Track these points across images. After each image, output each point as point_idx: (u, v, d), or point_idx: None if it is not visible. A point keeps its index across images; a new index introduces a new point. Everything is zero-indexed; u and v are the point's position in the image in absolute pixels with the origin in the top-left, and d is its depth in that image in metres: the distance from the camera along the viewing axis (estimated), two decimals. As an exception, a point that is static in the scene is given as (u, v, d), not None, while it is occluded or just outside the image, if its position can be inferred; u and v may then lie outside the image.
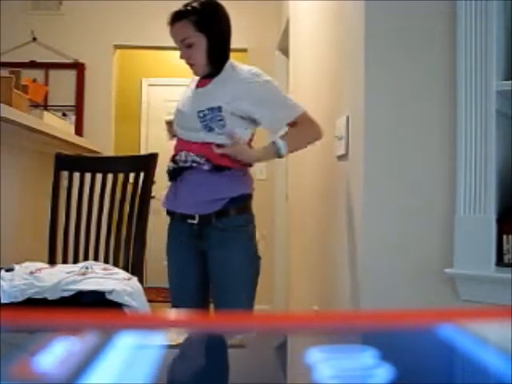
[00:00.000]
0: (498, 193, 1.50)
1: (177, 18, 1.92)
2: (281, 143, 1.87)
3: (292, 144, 1.92)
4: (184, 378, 0.31)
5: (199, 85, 1.99)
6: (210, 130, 1.89)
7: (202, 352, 0.35)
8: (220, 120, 1.88)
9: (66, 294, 1.68)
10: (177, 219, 1.98)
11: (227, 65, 1.96)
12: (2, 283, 1.69)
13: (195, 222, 1.91)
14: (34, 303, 1.65)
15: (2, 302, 1.63)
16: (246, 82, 1.90)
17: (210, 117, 1.88)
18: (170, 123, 2.09)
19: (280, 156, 1.90)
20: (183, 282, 2.02)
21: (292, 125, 1.92)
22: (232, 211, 1.90)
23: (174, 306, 2.04)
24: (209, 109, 1.89)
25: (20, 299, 1.66)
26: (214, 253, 1.92)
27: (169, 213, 2.02)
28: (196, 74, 1.99)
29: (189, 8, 1.91)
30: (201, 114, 1.90)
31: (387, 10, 1.63)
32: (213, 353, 0.34)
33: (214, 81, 1.95)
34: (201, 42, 1.91)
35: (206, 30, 1.90)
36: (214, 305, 1.99)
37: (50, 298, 1.67)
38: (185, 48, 1.93)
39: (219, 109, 1.88)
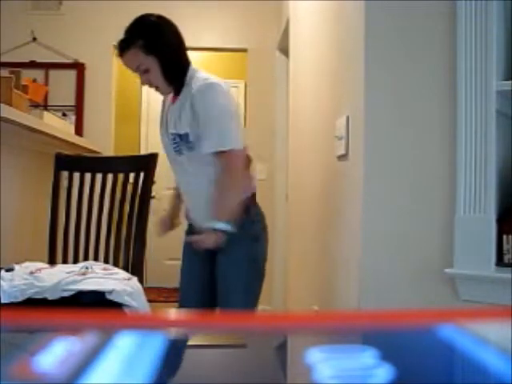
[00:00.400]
0: (498, 193, 1.50)
1: (124, 47, 1.89)
2: (218, 225, 1.82)
3: (224, 212, 1.83)
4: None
5: (171, 101, 1.99)
6: (181, 153, 1.91)
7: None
8: (189, 145, 1.88)
9: (65, 294, 1.68)
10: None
11: (188, 77, 1.92)
12: (2, 283, 1.69)
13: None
14: (33, 303, 1.65)
15: (2, 301, 1.63)
16: (197, 99, 1.85)
17: (179, 141, 1.90)
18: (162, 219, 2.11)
19: (228, 229, 1.82)
20: (191, 282, 2.05)
21: (216, 155, 1.84)
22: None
23: (181, 305, 2.06)
24: (178, 135, 1.90)
25: (20, 299, 1.66)
26: (219, 256, 1.96)
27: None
28: (163, 94, 2.00)
29: (133, 34, 1.88)
30: (171, 137, 1.93)
31: (387, 10, 1.63)
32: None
33: (180, 99, 1.93)
34: (154, 65, 1.88)
35: (155, 52, 1.86)
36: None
37: (50, 298, 1.68)
38: (142, 74, 1.91)
39: (187, 136, 1.87)
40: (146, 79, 1.91)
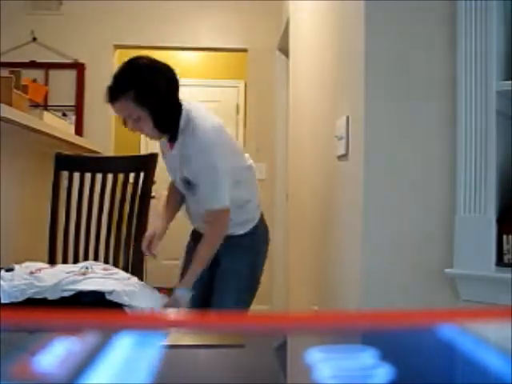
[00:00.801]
0: (498, 193, 1.50)
1: (114, 97, 1.84)
2: (180, 294, 1.91)
3: (192, 275, 1.92)
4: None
5: (169, 148, 1.99)
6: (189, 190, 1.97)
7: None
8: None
9: (66, 294, 1.68)
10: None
11: (183, 121, 1.89)
12: (2, 283, 1.69)
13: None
14: (34, 303, 1.65)
15: (2, 301, 1.63)
16: (196, 153, 1.86)
17: (187, 185, 1.95)
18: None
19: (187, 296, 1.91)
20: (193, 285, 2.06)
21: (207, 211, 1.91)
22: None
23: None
24: (182, 179, 1.95)
25: (20, 299, 1.66)
26: (223, 259, 1.99)
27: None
28: (156, 140, 2.01)
29: (124, 84, 1.82)
30: (180, 177, 1.97)
31: (387, 9, 1.63)
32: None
33: (178, 147, 1.93)
34: (145, 115, 1.83)
35: (146, 104, 1.81)
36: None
37: (49, 298, 1.67)
38: (132, 122, 1.87)
39: (189, 180, 1.93)
40: (137, 127, 1.88)
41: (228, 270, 1.99)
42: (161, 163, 2.30)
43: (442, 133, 1.58)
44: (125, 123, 1.91)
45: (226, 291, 1.98)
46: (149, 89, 1.81)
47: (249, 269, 2.02)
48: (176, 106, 1.89)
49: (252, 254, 2.04)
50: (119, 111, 1.88)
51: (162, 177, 2.20)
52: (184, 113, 1.89)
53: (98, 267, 1.91)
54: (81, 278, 1.76)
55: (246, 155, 2.08)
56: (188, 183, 1.93)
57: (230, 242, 1.96)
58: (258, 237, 2.07)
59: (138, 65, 1.85)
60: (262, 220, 2.10)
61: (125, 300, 1.71)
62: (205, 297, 2.02)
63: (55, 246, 2.35)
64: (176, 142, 1.92)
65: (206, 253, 1.93)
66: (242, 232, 2.00)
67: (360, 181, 1.67)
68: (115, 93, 1.83)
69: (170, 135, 1.93)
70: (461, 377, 0.31)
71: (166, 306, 1.91)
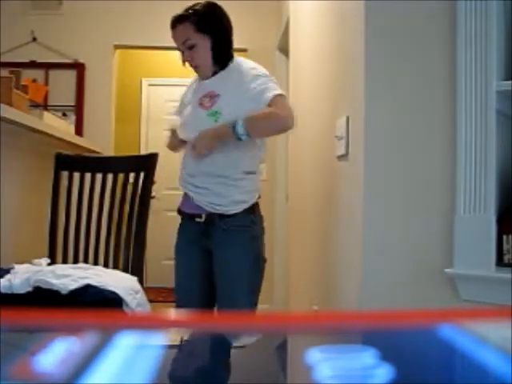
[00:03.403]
0: (498, 193, 1.50)
1: (177, 21, 1.94)
2: (240, 129, 1.83)
3: (256, 130, 1.88)
4: (186, 375, 0.31)
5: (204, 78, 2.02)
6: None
7: (204, 351, 0.35)
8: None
9: (74, 285, 1.68)
10: (185, 218, 2.05)
11: (232, 64, 1.98)
12: (6, 277, 1.71)
13: (202, 220, 1.95)
14: (39, 298, 1.65)
15: (8, 292, 1.64)
16: (246, 84, 1.91)
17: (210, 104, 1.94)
18: (174, 131, 2.08)
19: (240, 139, 1.85)
20: (189, 281, 2.04)
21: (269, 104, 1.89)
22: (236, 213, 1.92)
23: (179, 305, 2.04)
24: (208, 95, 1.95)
25: (26, 290, 1.66)
26: (217, 252, 1.95)
27: (179, 212, 2.08)
28: (202, 76, 2.01)
29: (189, 11, 1.94)
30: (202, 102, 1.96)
31: (387, 10, 1.63)
32: (215, 353, 0.34)
33: (218, 76, 1.98)
34: (203, 43, 1.93)
35: (207, 31, 1.92)
36: (216, 305, 1.99)
37: (54, 281, 1.67)
38: (187, 50, 1.94)
39: (218, 96, 1.93)
40: (190, 55, 1.95)
41: (230, 266, 1.94)
42: (161, 163, 2.30)
43: (441, 133, 1.58)
44: (182, 53, 1.98)
45: (231, 293, 1.94)
46: (211, 19, 1.95)
47: (252, 262, 1.95)
48: (231, 44, 2.01)
49: (254, 244, 1.97)
50: (178, 36, 1.96)
51: (162, 177, 2.20)
52: (236, 57, 2.02)
53: (97, 269, 1.93)
54: (84, 274, 1.78)
55: None
56: (215, 117, 1.90)
57: (228, 230, 1.91)
58: (259, 225, 2.00)
59: (203, 1, 1.99)
60: (258, 209, 2.03)
61: (125, 300, 1.71)
62: (205, 296, 2.00)
63: (55, 246, 2.35)
64: (220, 74, 1.97)
65: (259, 120, 1.88)
66: (236, 210, 1.93)
67: (360, 181, 1.67)
68: (180, 17, 1.95)
69: (219, 69, 1.97)
70: (461, 377, 0.31)
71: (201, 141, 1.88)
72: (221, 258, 1.94)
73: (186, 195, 2.04)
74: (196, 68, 1.99)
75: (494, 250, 1.48)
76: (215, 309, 2.00)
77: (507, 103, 1.52)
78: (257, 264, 1.97)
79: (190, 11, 1.94)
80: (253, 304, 1.95)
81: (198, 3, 1.99)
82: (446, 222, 1.56)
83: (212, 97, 1.93)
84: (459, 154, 1.51)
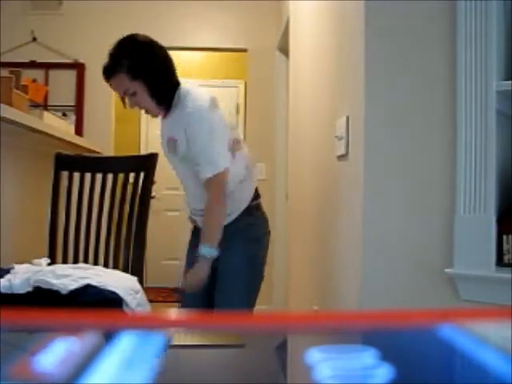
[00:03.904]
0: (498, 193, 1.50)
1: (109, 74, 1.90)
2: (207, 250, 1.88)
3: (214, 236, 1.90)
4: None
5: (164, 125, 2.04)
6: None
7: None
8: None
9: (75, 285, 1.68)
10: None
11: (177, 97, 1.93)
12: (6, 277, 1.70)
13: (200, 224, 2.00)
14: (39, 297, 1.65)
15: (9, 292, 1.64)
16: (186, 121, 1.89)
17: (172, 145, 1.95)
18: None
19: (212, 257, 1.89)
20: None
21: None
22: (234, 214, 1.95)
23: (183, 305, 2.07)
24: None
25: (26, 290, 1.66)
26: (220, 254, 1.96)
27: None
28: (156, 116, 2.02)
29: (117, 59, 1.88)
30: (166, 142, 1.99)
31: (387, 10, 1.63)
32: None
33: (170, 120, 1.96)
34: (142, 89, 1.88)
35: (140, 76, 1.87)
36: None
37: (54, 281, 1.67)
38: (129, 97, 1.92)
39: (176, 141, 1.93)
40: (134, 102, 1.92)
41: (226, 267, 1.95)
42: (161, 163, 2.30)
43: (441, 133, 1.58)
44: (123, 102, 1.97)
45: (227, 292, 1.96)
46: (142, 60, 1.87)
47: (248, 263, 1.97)
48: (171, 78, 1.94)
49: (251, 246, 1.99)
50: (116, 88, 1.93)
51: (162, 177, 2.20)
52: (181, 87, 1.95)
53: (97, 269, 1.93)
54: (84, 274, 1.78)
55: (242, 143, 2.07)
56: (185, 160, 1.92)
57: (227, 230, 1.93)
58: (257, 227, 2.02)
59: (131, 39, 1.91)
60: (260, 209, 2.05)
61: (125, 300, 1.71)
62: (205, 294, 2.01)
63: (55, 246, 2.35)
64: (170, 115, 1.95)
65: (211, 222, 1.90)
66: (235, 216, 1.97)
67: (360, 181, 1.67)
68: (110, 69, 1.89)
69: (167, 108, 1.95)
70: (461, 377, 0.31)
71: (190, 273, 1.92)
72: (221, 260, 1.96)
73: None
74: (146, 112, 1.99)
75: (494, 250, 1.48)
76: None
77: (507, 103, 1.52)
78: (253, 265, 1.98)
79: (118, 61, 1.87)
80: (250, 305, 1.96)
81: (128, 41, 1.92)
82: (445, 222, 1.56)
83: (173, 141, 1.95)
84: (459, 154, 1.51)
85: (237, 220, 1.96)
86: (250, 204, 1.99)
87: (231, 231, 1.94)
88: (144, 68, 1.87)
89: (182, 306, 2.08)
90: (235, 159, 1.95)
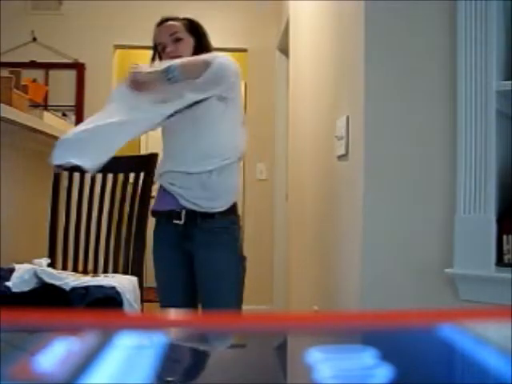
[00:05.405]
0: (498, 193, 1.50)
1: (168, 19, 2.07)
2: (172, 66, 1.85)
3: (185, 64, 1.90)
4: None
5: None
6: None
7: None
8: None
9: (75, 281, 1.69)
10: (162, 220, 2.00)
11: None
12: (14, 276, 1.72)
13: (181, 222, 1.91)
14: (38, 297, 1.66)
15: (13, 291, 1.65)
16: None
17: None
18: None
19: (169, 79, 1.85)
20: (172, 281, 2.02)
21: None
22: (217, 213, 1.91)
23: (163, 306, 2.03)
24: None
25: (31, 287, 1.67)
26: (199, 254, 1.92)
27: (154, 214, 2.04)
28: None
29: (179, 18, 2.08)
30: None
31: (387, 10, 1.63)
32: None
33: None
34: (189, 41, 2.02)
35: (194, 34, 2.04)
36: (201, 306, 1.98)
37: (58, 284, 1.68)
38: (172, 43, 2.00)
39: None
40: (174, 47, 1.98)
41: (214, 267, 1.91)
42: (161, 163, 2.29)
43: (441, 133, 1.59)
44: (154, 55, 2.06)
45: (217, 293, 1.92)
46: (198, 28, 2.09)
47: (236, 260, 1.94)
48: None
49: (237, 244, 1.96)
50: (167, 29, 2.03)
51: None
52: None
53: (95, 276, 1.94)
54: (84, 279, 1.79)
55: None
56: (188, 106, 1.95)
57: (212, 231, 1.89)
58: (237, 228, 1.98)
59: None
60: (236, 210, 2.01)
61: (125, 300, 1.71)
62: (188, 296, 1.99)
63: (55, 247, 2.35)
64: None
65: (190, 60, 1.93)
66: (218, 209, 1.91)
67: (360, 181, 1.67)
68: (170, 17, 2.07)
69: None
70: (461, 377, 0.31)
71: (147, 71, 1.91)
72: (205, 259, 1.92)
73: (161, 191, 2.01)
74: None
75: (493, 250, 1.48)
76: (199, 309, 2.00)
77: (507, 103, 1.52)
78: (240, 264, 1.97)
79: (183, 19, 2.08)
80: (238, 304, 1.95)
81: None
82: (445, 222, 1.56)
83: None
84: (459, 153, 1.51)
85: (224, 218, 1.92)
86: (235, 202, 1.98)
87: (219, 230, 1.90)
88: (198, 31, 2.06)
89: (162, 306, 2.05)
90: (242, 132, 2.01)
